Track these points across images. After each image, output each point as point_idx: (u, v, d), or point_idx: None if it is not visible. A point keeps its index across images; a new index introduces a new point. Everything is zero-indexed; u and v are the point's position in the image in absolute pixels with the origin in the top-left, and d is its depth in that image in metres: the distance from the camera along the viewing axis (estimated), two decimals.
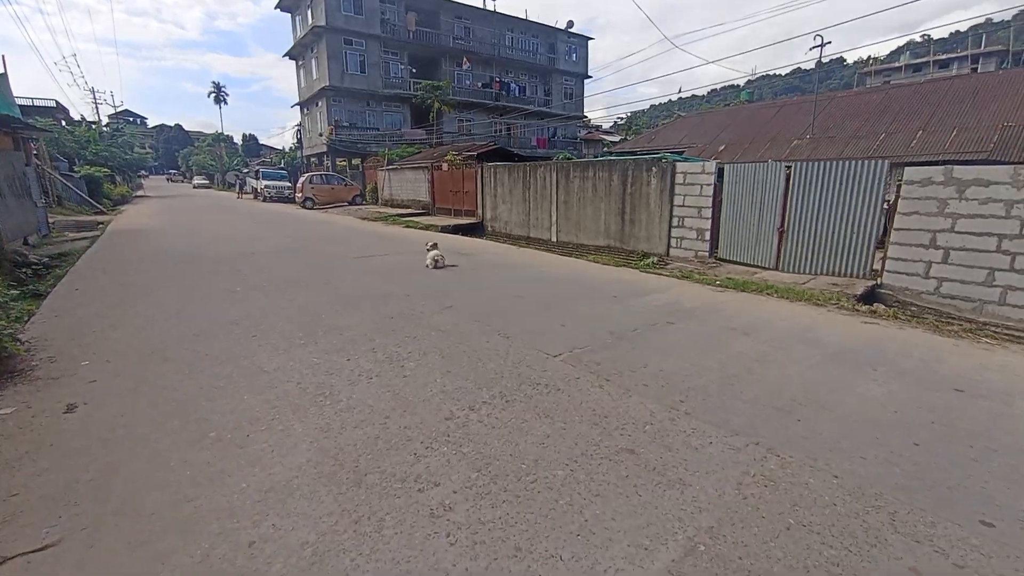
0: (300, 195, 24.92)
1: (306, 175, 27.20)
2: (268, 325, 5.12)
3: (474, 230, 15.45)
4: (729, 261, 8.95)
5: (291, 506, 2.31)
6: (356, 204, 25.61)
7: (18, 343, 4.36)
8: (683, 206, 9.58)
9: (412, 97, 33.45)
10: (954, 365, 4.20)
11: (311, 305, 5.92)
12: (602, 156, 28.95)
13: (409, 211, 20.32)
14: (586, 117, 45.62)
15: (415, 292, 6.63)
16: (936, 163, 7.54)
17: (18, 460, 2.70)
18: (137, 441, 2.89)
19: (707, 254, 9.24)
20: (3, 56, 13.64)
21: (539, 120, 41.08)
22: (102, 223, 16.31)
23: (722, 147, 18.72)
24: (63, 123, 35.51)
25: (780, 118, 19.12)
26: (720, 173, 9.07)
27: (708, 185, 9.12)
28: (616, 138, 44.58)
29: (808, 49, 19.98)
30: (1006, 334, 5.36)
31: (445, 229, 14.84)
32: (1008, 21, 51.86)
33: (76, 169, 25.23)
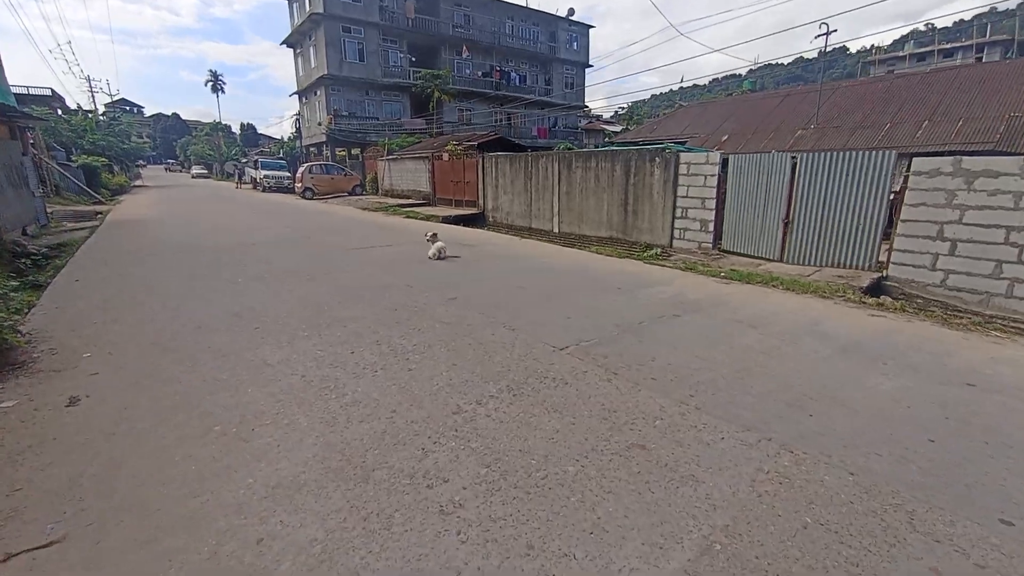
0: (299, 185, 24.74)
1: (305, 165, 27.00)
2: (270, 317, 5.07)
3: (475, 221, 15.35)
4: (733, 253, 8.89)
5: (299, 502, 2.28)
6: (356, 194, 25.46)
7: (19, 335, 4.31)
8: (687, 197, 9.49)
9: (412, 86, 33.12)
10: (964, 359, 4.16)
11: (313, 297, 5.87)
12: (603, 146, 28.74)
13: (410, 201, 20.19)
14: (587, 107, 45.26)
15: (418, 283, 6.58)
16: (942, 154, 7.46)
17: (21, 454, 2.67)
18: (141, 435, 2.86)
19: (710, 245, 9.17)
20: None
21: (540, 110, 40.73)
22: (101, 213, 16.21)
23: (725, 137, 18.56)
24: (59, 112, 35.23)
25: (784, 108, 18.94)
26: (724, 164, 8.98)
27: (712, 176, 9.03)
28: (617, 128, 44.25)
29: (813, 37, 19.75)
30: (1014, 327, 5.32)
31: (446, 219, 14.74)
32: (1013, 10, 51.25)
33: (73, 158, 25.04)
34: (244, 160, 46.72)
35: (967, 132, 13.29)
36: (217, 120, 69.31)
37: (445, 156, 18.75)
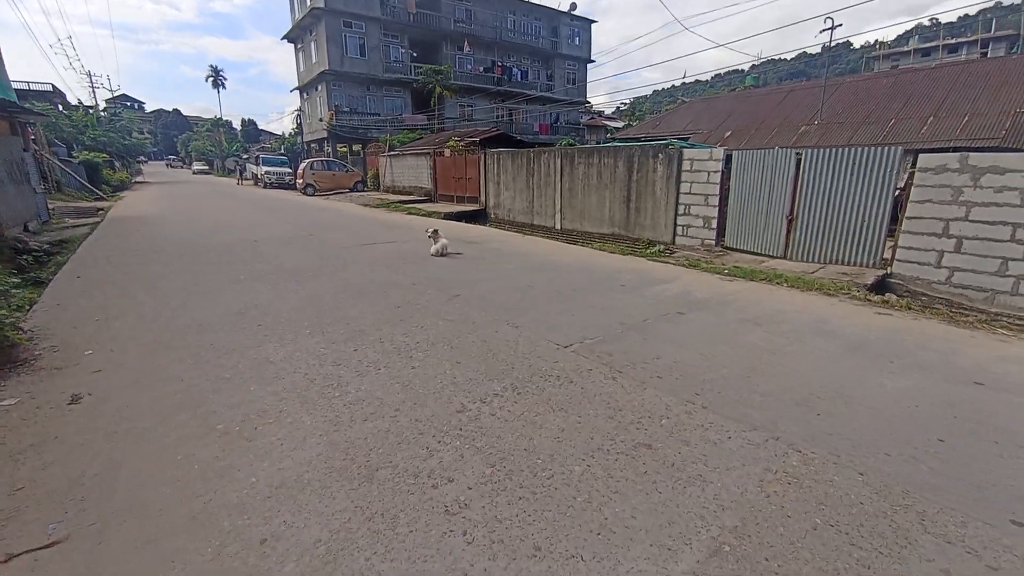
0: (301, 181, 24.72)
1: (307, 161, 26.97)
2: (273, 315, 5.05)
3: (477, 217, 15.31)
4: (736, 250, 8.84)
5: (302, 502, 2.26)
6: (357, 191, 25.42)
7: (21, 332, 4.30)
8: (690, 193, 9.44)
9: (413, 82, 33.01)
10: (972, 357, 4.13)
11: (316, 294, 5.84)
12: (605, 142, 28.64)
13: (411, 198, 20.15)
14: (588, 103, 45.07)
15: (421, 281, 6.55)
16: (947, 150, 7.40)
17: (22, 453, 2.65)
18: (143, 434, 2.84)
19: (713, 242, 9.12)
20: None
21: (541, 106, 40.58)
22: (102, 209, 16.19)
23: (728, 133, 18.47)
24: (60, 107, 35.16)
25: (788, 103, 18.83)
26: (728, 160, 8.92)
27: (716, 172, 8.97)
28: (619, 124, 44.09)
29: (818, 32, 19.59)
30: (1020, 324, 5.28)
31: (448, 216, 14.71)
32: (1018, 4, 50.87)
33: (74, 154, 25.01)
34: (245, 156, 46.67)
35: (972, 128, 13.19)
36: (218, 116, 69.14)
37: (447, 152, 18.69)
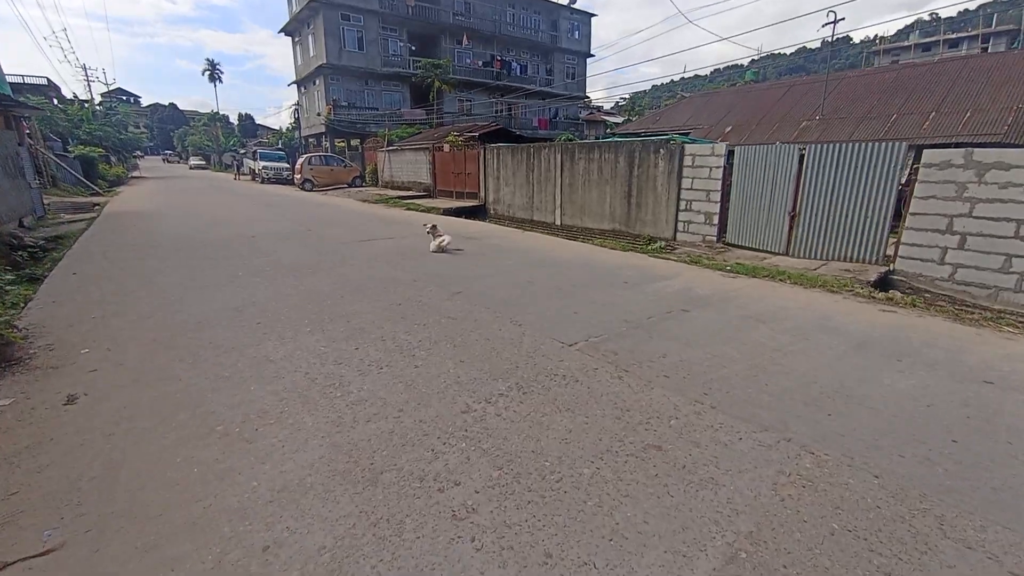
0: (299, 176, 24.54)
1: (304, 156, 26.77)
2: (273, 312, 4.98)
3: (476, 213, 15.21)
4: (737, 246, 8.78)
5: (305, 507, 2.20)
6: (356, 186, 25.27)
7: (15, 330, 4.22)
8: (691, 189, 9.37)
9: (412, 76, 32.79)
10: (980, 355, 4.08)
11: (315, 291, 5.77)
12: (604, 137, 28.52)
13: (410, 193, 20.04)
14: (588, 97, 44.87)
15: (422, 277, 6.48)
16: (949, 146, 7.35)
17: (17, 455, 2.58)
18: (141, 435, 2.77)
19: (715, 239, 9.06)
20: None
21: (540, 100, 40.38)
22: (98, 205, 16.04)
23: (729, 128, 18.39)
24: (55, 101, 34.88)
25: (789, 98, 18.75)
26: (730, 155, 8.85)
27: (717, 168, 8.89)
28: (619, 119, 43.94)
29: (821, 26, 19.48)
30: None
31: (447, 212, 14.61)
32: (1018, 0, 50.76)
33: (70, 149, 24.78)
34: (242, 151, 46.40)
35: (974, 124, 13.14)
36: (215, 110, 68.74)
37: (446, 147, 18.56)
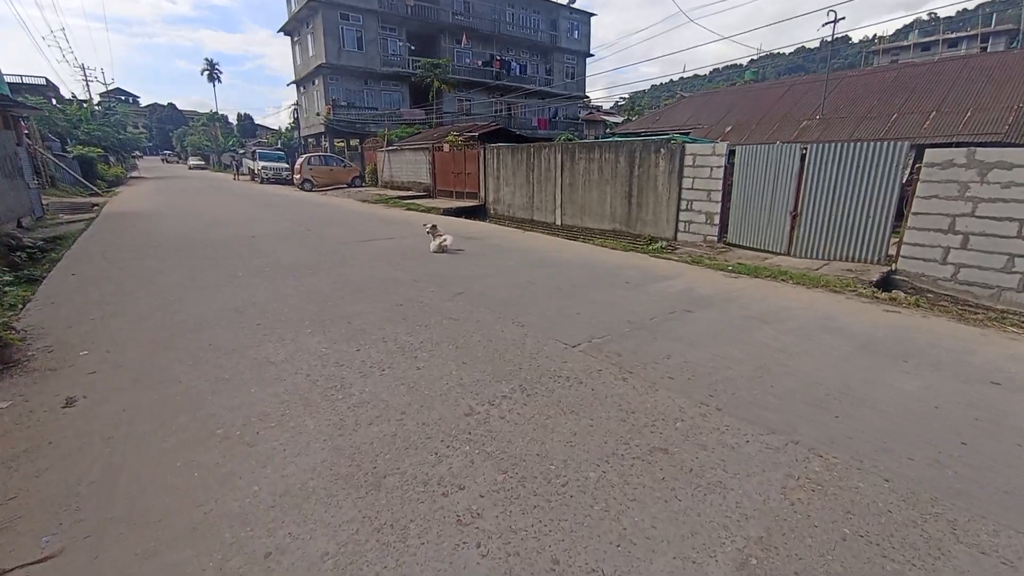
0: (298, 177, 24.48)
1: (304, 156, 26.71)
2: (273, 313, 4.94)
3: (476, 213, 15.17)
4: (738, 246, 8.76)
5: (307, 512, 2.17)
6: (355, 186, 25.22)
7: (13, 332, 4.18)
8: (692, 189, 9.34)
9: (411, 75, 32.74)
10: (986, 356, 4.06)
11: (316, 291, 5.74)
12: (604, 137, 28.50)
13: (410, 193, 19.99)
14: (587, 97, 44.84)
15: (423, 278, 6.45)
16: (951, 145, 7.32)
17: (15, 459, 2.55)
18: (141, 439, 2.74)
19: (716, 238, 9.04)
20: None
21: (540, 100, 40.34)
22: (97, 205, 15.99)
23: (729, 128, 18.35)
24: (54, 101, 34.78)
25: (789, 98, 18.72)
26: (731, 155, 8.83)
27: (719, 167, 8.87)
28: (618, 119, 43.92)
29: (821, 25, 19.43)
30: None
31: (447, 212, 14.57)
32: None
33: (69, 149, 24.71)
34: (242, 151, 46.33)
35: (975, 123, 13.12)
36: (214, 110, 68.62)
37: (446, 147, 18.53)
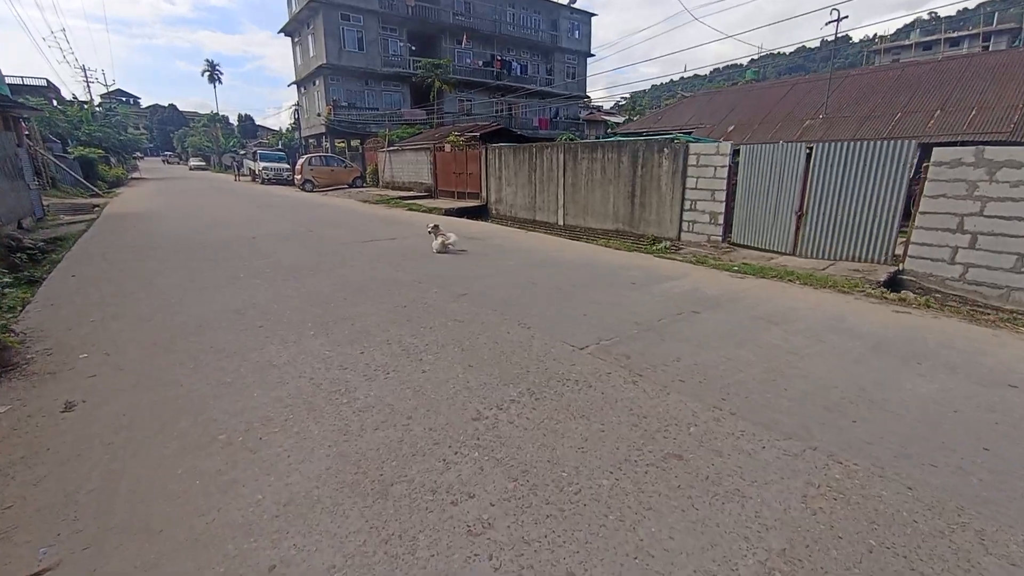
0: (299, 177, 24.43)
1: (305, 157, 26.67)
2: (275, 314, 4.87)
3: (478, 213, 15.11)
4: (743, 246, 8.69)
5: (312, 522, 2.10)
6: (356, 186, 25.16)
7: (12, 334, 4.12)
8: (696, 189, 9.27)
9: (412, 76, 32.68)
10: (1000, 358, 3.98)
11: (318, 293, 5.67)
12: (605, 137, 28.43)
13: (411, 194, 19.93)
14: (588, 97, 44.77)
15: (426, 279, 6.38)
16: (955, 144, 7.25)
17: (12, 467, 2.48)
18: (141, 445, 2.67)
19: (720, 238, 8.97)
20: None
21: (541, 100, 40.27)
22: (98, 206, 15.94)
23: (731, 127, 18.28)
24: (54, 102, 34.76)
25: (791, 97, 18.64)
26: (735, 154, 8.76)
27: (723, 167, 8.80)
28: (619, 119, 43.84)
29: (824, 24, 19.36)
30: None
31: (449, 212, 14.50)
32: None
33: (69, 150, 24.66)
34: (242, 152, 46.27)
35: (980, 122, 13.04)
36: (214, 111, 68.61)
37: (447, 147, 18.46)
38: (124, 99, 77.33)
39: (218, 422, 2.89)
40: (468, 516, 2.12)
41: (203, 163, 57.55)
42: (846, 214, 7.30)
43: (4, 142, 11.04)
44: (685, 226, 9.55)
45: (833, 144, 7.39)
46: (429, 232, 8.45)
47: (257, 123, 75.05)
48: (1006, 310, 5.63)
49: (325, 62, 30.50)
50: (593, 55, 43.51)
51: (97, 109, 39.73)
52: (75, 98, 39.46)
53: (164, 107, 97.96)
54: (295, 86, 38.22)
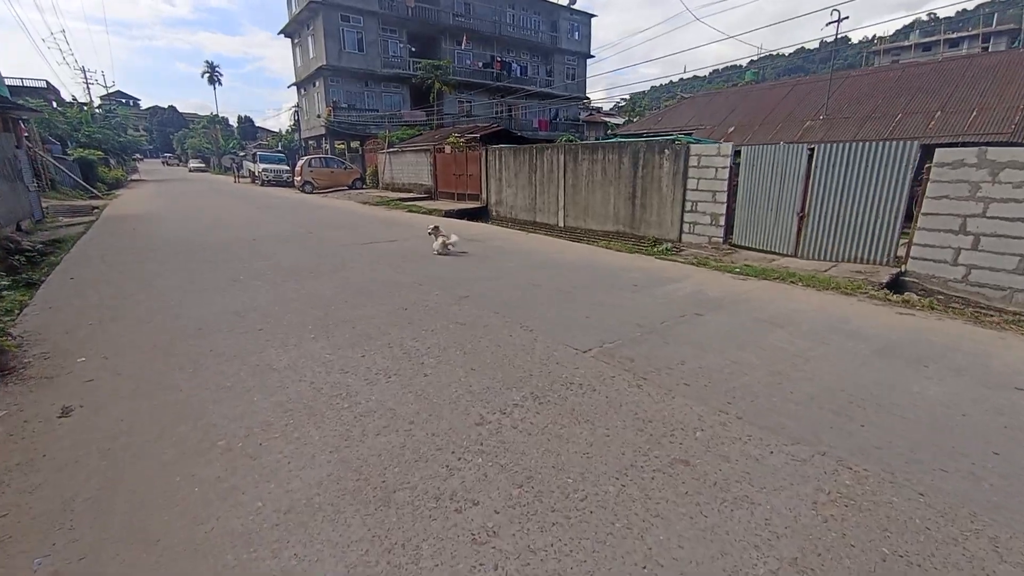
0: (299, 179, 24.41)
1: (304, 158, 26.66)
2: (275, 317, 4.83)
3: (478, 215, 15.08)
4: (744, 247, 8.66)
5: (314, 531, 2.06)
6: (356, 188, 25.13)
7: (9, 338, 4.07)
8: (697, 190, 9.24)
9: (412, 77, 32.68)
10: (1006, 360, 3.95)
11: (318, 295, 5.63)
12: (606, 138, 28.43)
13: (411, 195, 19.90)
14: (588, 98, 44.79)
15: (424, 280, 6.34)
16: (956, 145, 7.23)
17: (7, 474, 2.44)
18: (139, 451, 2.63)
19: (721, 240, 8.94)
20: None
21: (541, 101, 40.28)
22: (97, 208, 15.89)
23: (732, 128, 18.26)
24: (54, 104, 34.75)
25: (792, 98, 18.62)
26: (736, 155, 8.73)
27: (724, 168, 8.77)
28: (619, 120, 43.87)
29: (825, 24, 19.34)
30: None
31: (449, 214, 14.47)
32: None
33: (69, 152, 24.65)
34: (242, 153, 46.24)
35: (981, 123, 13.02)
36: (214, 113, 68.57)
37: (447, 149, 18.43)
38: (124, 101, 77.32)
39: (218, 427, 2.85)
40: (472, 524, 2.08)
41: (203, 165, 57.58)
42: (848, 215, 7.27)
43: (3, 144, 11.00)
44: (686, 227, 9.52)
45: (835, 145, 7.36)
46: (429, 234, 8.42)
47: (257, 125, 75.11)
48: (1010, 312, 5.59)
49: (325, 63, 30.50)
50: (593, 56, 43.59)
51: (97, 111, 39.76)
52: (75, 100, 39.49)
53: (164, 109, 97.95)
54: (295, 87, 38.23)
